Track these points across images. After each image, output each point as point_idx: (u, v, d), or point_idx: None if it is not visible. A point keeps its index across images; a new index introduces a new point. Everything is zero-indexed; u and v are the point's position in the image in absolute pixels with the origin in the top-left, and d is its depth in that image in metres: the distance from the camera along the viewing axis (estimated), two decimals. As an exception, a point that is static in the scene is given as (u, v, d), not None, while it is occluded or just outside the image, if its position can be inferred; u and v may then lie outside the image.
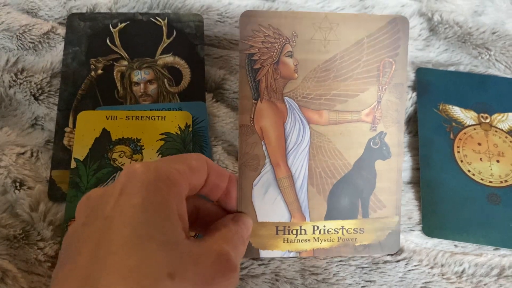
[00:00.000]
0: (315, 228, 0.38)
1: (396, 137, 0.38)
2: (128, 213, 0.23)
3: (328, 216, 0.38)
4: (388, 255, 0.40)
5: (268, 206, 0.37)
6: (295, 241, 0.37)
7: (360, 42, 0.37)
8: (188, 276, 0.23)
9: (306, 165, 0.37)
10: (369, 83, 0.37)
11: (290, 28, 0.36)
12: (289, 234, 0.37)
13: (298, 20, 0.36)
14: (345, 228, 0.38)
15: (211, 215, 0.30)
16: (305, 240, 0.37)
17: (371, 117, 0.37)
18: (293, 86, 0.36)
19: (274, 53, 0.36)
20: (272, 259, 0.39)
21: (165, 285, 0.21)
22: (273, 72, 0.36)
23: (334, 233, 0.38)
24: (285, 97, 0.36)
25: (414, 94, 0.48)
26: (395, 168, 0.38)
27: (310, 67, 0.36)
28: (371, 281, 0.38)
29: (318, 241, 0.38)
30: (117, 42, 0.47)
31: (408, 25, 0.38)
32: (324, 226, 0.37)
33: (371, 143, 0.38)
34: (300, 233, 0.37)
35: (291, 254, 0.38)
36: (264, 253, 0.37)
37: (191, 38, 0.48)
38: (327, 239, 0.38)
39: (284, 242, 0.37)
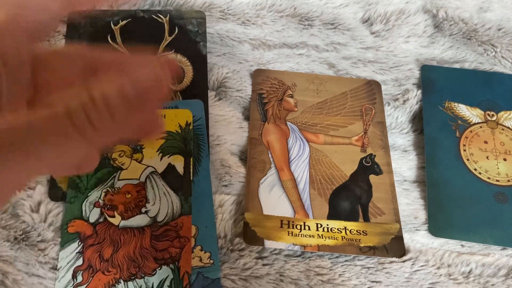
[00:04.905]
0: (319, 225, 0.40)
1: (385, 159, 0.43)
2: None
3: (330, 217, 0.40)
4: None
5: (273, 201, 0.40)
6: (300, 235, 0.39)
7: (344, 93, 0.47)
8: None
9: (307, 172, 0.42)
10: (355, 119, 0.45)
11: (290, 80, 0.47)
12: (293, 228, 0.39)
13: (296, 76, 0.47)
14: (348, 229, 0.40)
15: None
16: (310, 236, 0.39)
17: (360, 142, 0.44)
18: (294, 115, 0.45)
19: (279, 94, 0.46)
20: (276, 259, 0.38)
21: None
22: (278, 106, 0.45)
23: (338, 232, 0.39)
24: (287, 122, 0.45)
25: (419, 91, 0.47)
26: (388, 183, 0.42)
27: (307, 105, 0.46)
28: (377, 282, 0.38)
29: (322, 238, 0.39)
30: (118, 39, 0.46)
31: (380, 87, 0.48)
32: (327, 225, 0.40)
33: (363, 161, 0.43)
34: (304, 229, 0.39)
35: (296, 248, 0.38)
36: (268, 243, 0.38)
37: (193, 35, 0.47)
38: (331, 237, 0.39)
39: (288, 235, 0.39)
